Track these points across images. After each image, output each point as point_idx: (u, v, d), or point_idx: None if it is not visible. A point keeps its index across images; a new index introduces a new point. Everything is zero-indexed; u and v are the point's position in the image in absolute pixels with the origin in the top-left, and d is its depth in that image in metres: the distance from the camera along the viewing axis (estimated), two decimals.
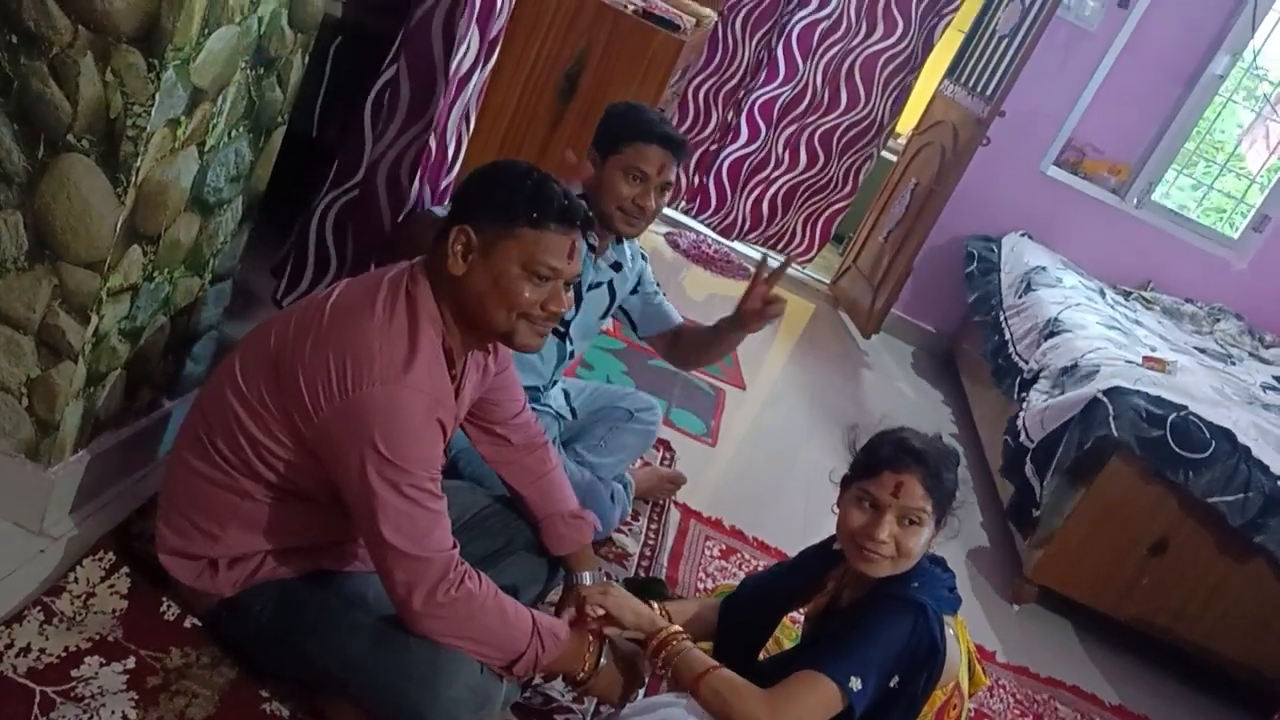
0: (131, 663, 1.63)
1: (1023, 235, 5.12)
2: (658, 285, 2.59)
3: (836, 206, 5.74)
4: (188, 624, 1.74)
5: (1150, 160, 5.18)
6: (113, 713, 1.53)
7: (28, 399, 1.76)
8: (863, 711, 1.68)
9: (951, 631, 1.79)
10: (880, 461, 1.77)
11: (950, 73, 5.40)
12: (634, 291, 2.51)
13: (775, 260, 2.38)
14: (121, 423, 1.96)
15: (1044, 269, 4.57)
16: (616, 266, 2.44)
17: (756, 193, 5.73)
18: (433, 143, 2.39)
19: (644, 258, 2.55)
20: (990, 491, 3.83)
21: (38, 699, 1.50)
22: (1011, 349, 4.05)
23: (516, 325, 1.65)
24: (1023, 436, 3.31)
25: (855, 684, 1.66)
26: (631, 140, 2.24)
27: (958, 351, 5.25)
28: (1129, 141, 5.19)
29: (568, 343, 2.42)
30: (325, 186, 2.43)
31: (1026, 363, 3.81)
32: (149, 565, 1.75)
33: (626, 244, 2.43)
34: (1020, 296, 4.39)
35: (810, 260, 5.89)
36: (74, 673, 1.57)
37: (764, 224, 5.78)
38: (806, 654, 1.79)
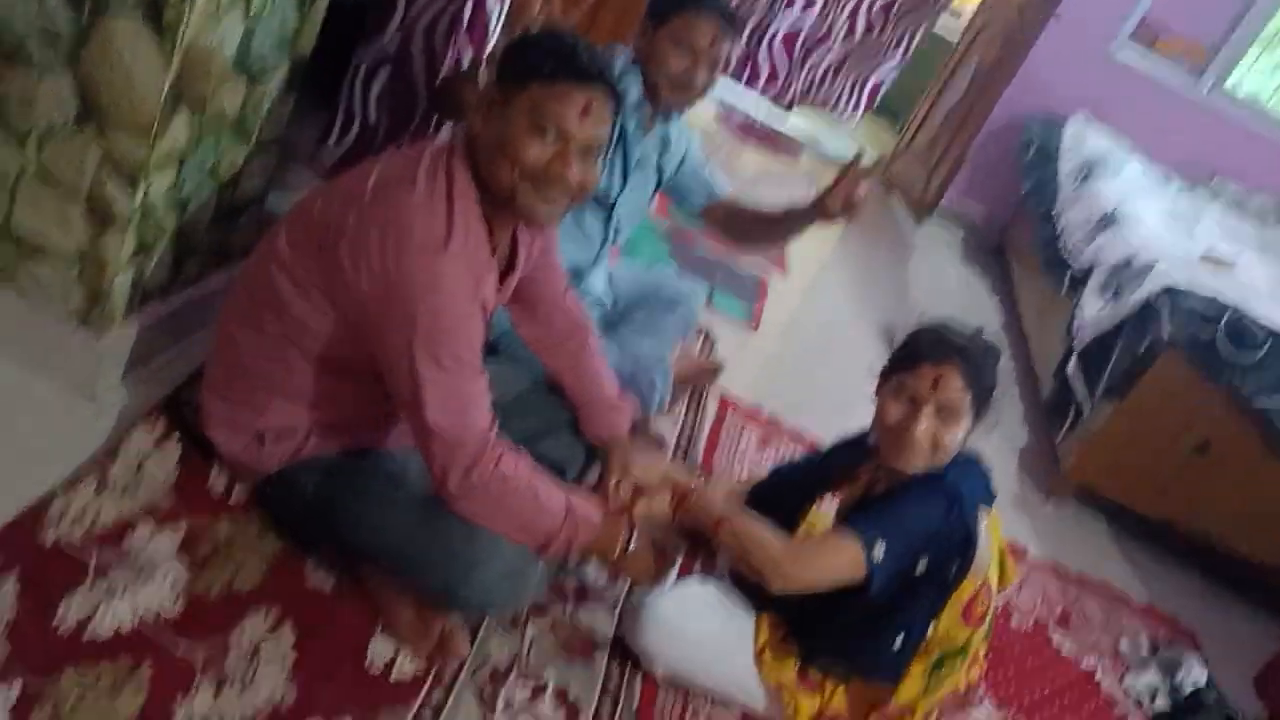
0: (182, 530, 1.67)
1: (1087, 117, 4.93)
2: (707, 158, 2.53)
3: (886, 70, 5.51)
4: (236, 495, 1.79)
5: (1228, 43, 4.92)
6: (165, 577, 1.58)
7: (78, 268, 1.77)
8: (882, 584, 1.69)
9: (985, 525, 1.79)
10: (919, 354, 1.74)
11: None
12: (680, 167, 2.46)
13: (868, 160, 2.25)
14: (170, 293, 1.97)
15: (1106, 157, 4.42)
16: (664, 143, 2.38)
17: (810, 62, 5.54)
18: (468, 8, 2.31)
19: (691, 132, 2.48)
20: (1032, 386, 3.80)
21: (93, 563, 1.56)
22: (1064, 240, 3.96)
23: (519, 186, 1.56)
24: (1076, 342, 3.26)
25: (879, 552, 1.67)
26: (681, 9, 2.16)
27: (1008, 241, 5.14)
28: (1207, 21, 4.93)
29: (612, 223, 2.38)
30: (360, 46, 2.38)
31: (1080, 255, 3.73)
32: (198, 435, 1.78)
33: (674, 119, 2.37)
34: (1078, 186, 4.26)
35: (856, 121, 5.70)
36: (127, 538, 1.62)
37: (814, 90, 5.60)
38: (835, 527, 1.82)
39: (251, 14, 1.76)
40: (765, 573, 1.69)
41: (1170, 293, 3.01)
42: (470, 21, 2.36)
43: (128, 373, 1.90)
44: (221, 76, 1.77)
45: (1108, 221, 3.77)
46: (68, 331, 1.80)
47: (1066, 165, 4.50)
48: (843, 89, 5.61)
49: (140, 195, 1.72)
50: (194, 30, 1.62)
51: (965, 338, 1.76)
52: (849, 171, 2.17)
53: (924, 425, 1.71)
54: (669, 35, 2.17)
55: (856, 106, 5.65)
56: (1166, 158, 4.88)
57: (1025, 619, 2.59)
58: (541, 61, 1.53)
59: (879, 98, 5.63)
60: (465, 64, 2.43)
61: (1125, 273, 3.30)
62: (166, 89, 1.63)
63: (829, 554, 1.71)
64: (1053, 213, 4.22)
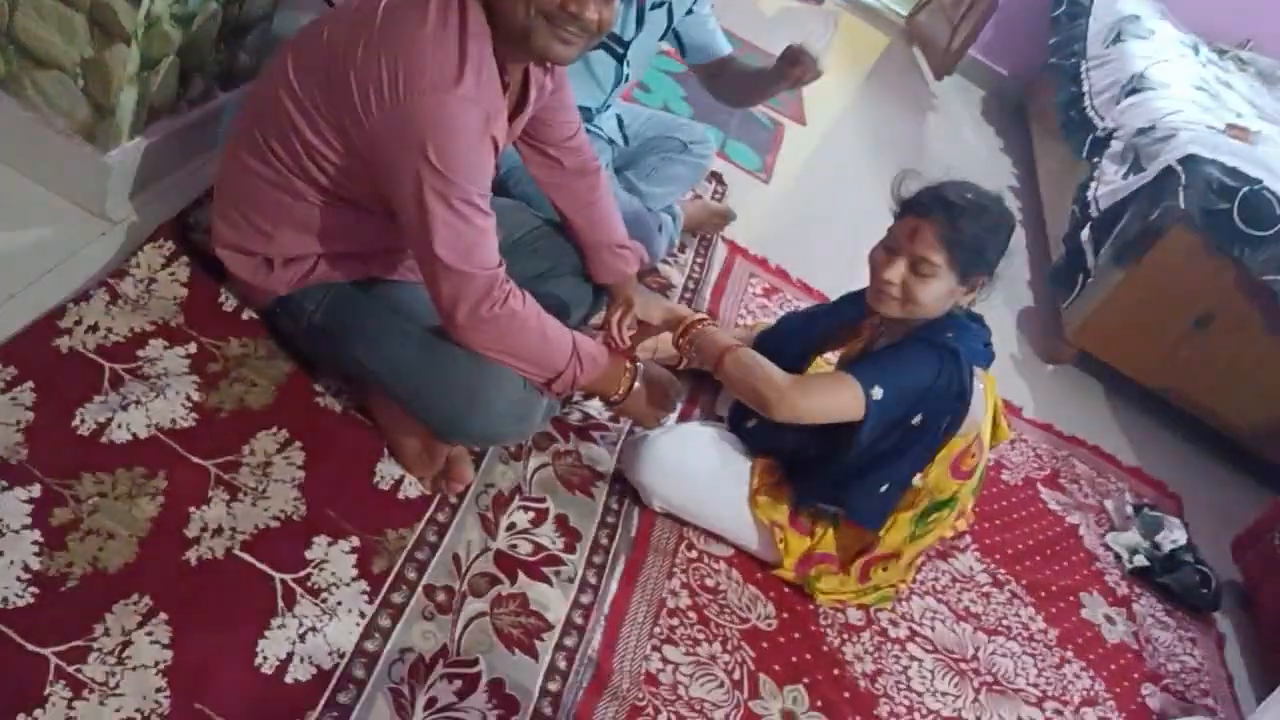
0: (193, 348, 1.70)
1: None
2: (712, 6, 2.45)
3: None
4: (245, 316, 1.81)
5: None
6: (177, 393, 1.61)
7: (83, 80, 1.74)
8: (877, 426, 1.74)
9: (980, 385, 1.83)
10: (907, 206, 1.78)
11: None
12: (689, 12, 2.38)
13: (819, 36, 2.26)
14: (176, 111, 1.95)
15: (1138, 18, 4.27)
16: None
17: None
18: None
19: None
20: (1043, 251, 3.78)
21: (107, 374, 1.59)
22: (1088, 102, 3.86)
23: (534, 24, 1.52)
24: (1091, 209, 3.22)
25: (877, 392, 1.72)
26: None
27: (1030, 101, 5.01)
28: None
29: (625, 64, 2.32)
30: None
31: (1103, 119, 3.65)
32: (207, 256, 1.79)
33: None
34: (1107, 47, 4.13)
35: None
36: (139, 353, 1.65)
37: None
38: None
39: None
40: (769, 398, 1.73)
41: (1191, 160, 2.96)
42: None
43: (135, 191, 1.89)
44: None
45: (1135, 84, 3.67)
46: (74, 145, 1.79)
47: (1097, 25, 4.35)
48: None
49: (144, 9, 1.68)
50: None
51: (961, 196, 1.74)
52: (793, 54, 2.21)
53: (894, 271, 1.74)
54: None
55: None
56: (1199, 22, 4.71)
57: (1015, 474, 2.66)
58: None
59: None
60: None
61: (1148, 138, 3.24)
62: None
63: (830, 387, 1.77)
64: (1079, 73, 4.11)
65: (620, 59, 2.30)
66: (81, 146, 1.79)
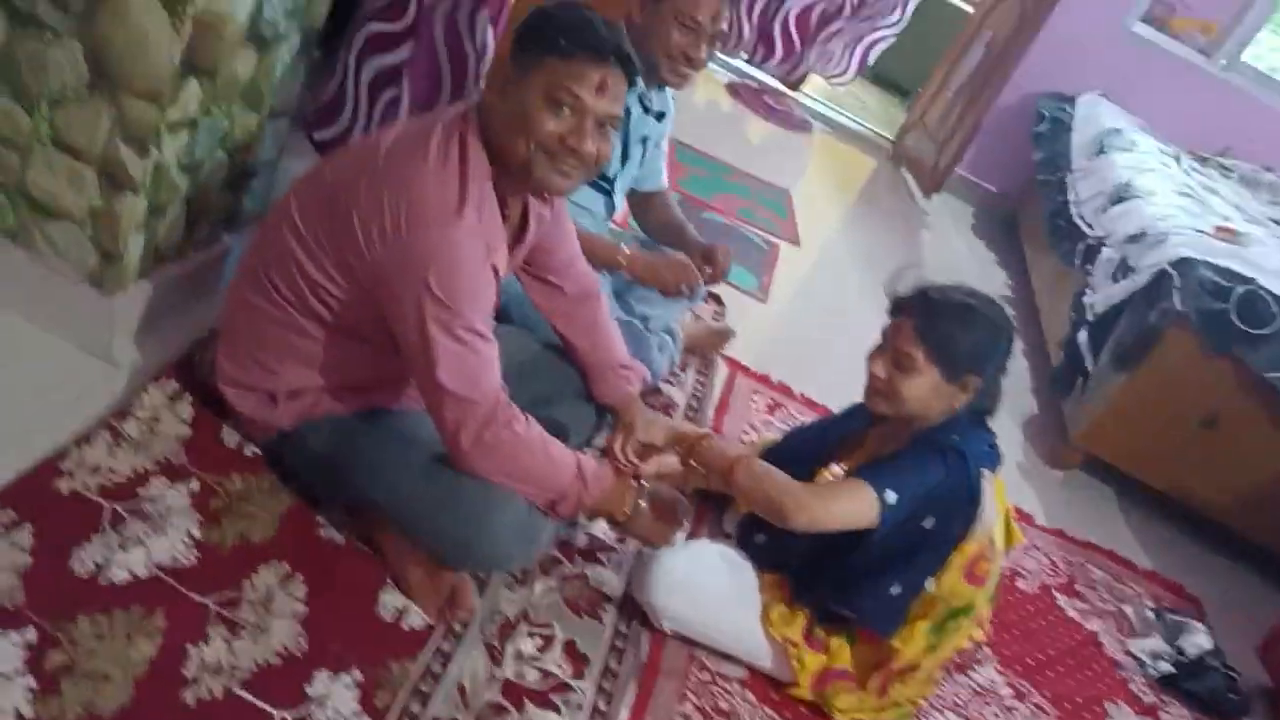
0: (195, 485, 1.70)
1: (1100, 95, 4.91)
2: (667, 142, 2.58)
3: (880, 32, 5.40)
4: (248, 452, 1.81)
5: (1245, 19, 4.89)
6: (178, 530, 1.61)
7: (92, 228, 1.79)
8: (890, 529, 1.73)
9: (990, 488, 1.82)
10: (894, 305, 1.84)
11: None
12: (655, 145, 2.47)
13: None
14: (182, 255, 2.00)
15: (1119, 131, 4.40)
16: (659, 117, 2.39)
17: (820, 37, 5.50)
18: None
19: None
20: (1042, 358, 3.80)
21: (108, 514, 1.59)
22: (1075, 211, 3.94)
23: (534, 158, 1.58)
24: (1088, 314, 3.25)
25: (890, 495, 1.73)
26: None
27: (1020, 214, 5.12)
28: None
29: (612, 197, 2.39)
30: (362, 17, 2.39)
31: (1091, 228, 3.72)
32: (210, 394, 1.81)
33: (666, 92, 2.37)
34: (1091, 159, 4.25)
35: (846, 83, 5.57)
36: (141, 491, 1.65)
37: (800, 47, 5.50)
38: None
39: None
40: (786, 506, 1.72)
41: (1184, 263, 3.00)
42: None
43: (141, 333, 1.92)
44: (233, 43, 1.78)
45: (1121, 194, 3.76)
46: (82, 292, 1.83)
47: (1079, 139, 4.48)
48: (835, 50, 5.50)
49: (152, 160, 1.74)
50: None
51: (939, 294, 1.79)
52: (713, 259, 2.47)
53: (879, 366, 1.79)
54: (671, 12, 2.16)
55: (847, 69, 5.51)
56: (1180, 134, 4.85)
57: (1031, 582, 2.61)
58: (558, 36, 1.55)
59: (871, 59, 5.47)
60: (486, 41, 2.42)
61: (1139, 244, 3.30)
62: (178, 55, 1.65)
63: (845, 493, 1.77)
64: (1065, 184, 4.21)
65: (608, 193, 2.37)
66: (88, 292, 1.83)
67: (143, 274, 1.89)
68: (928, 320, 1.75)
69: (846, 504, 1.74)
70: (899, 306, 1.81)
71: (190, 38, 1.66)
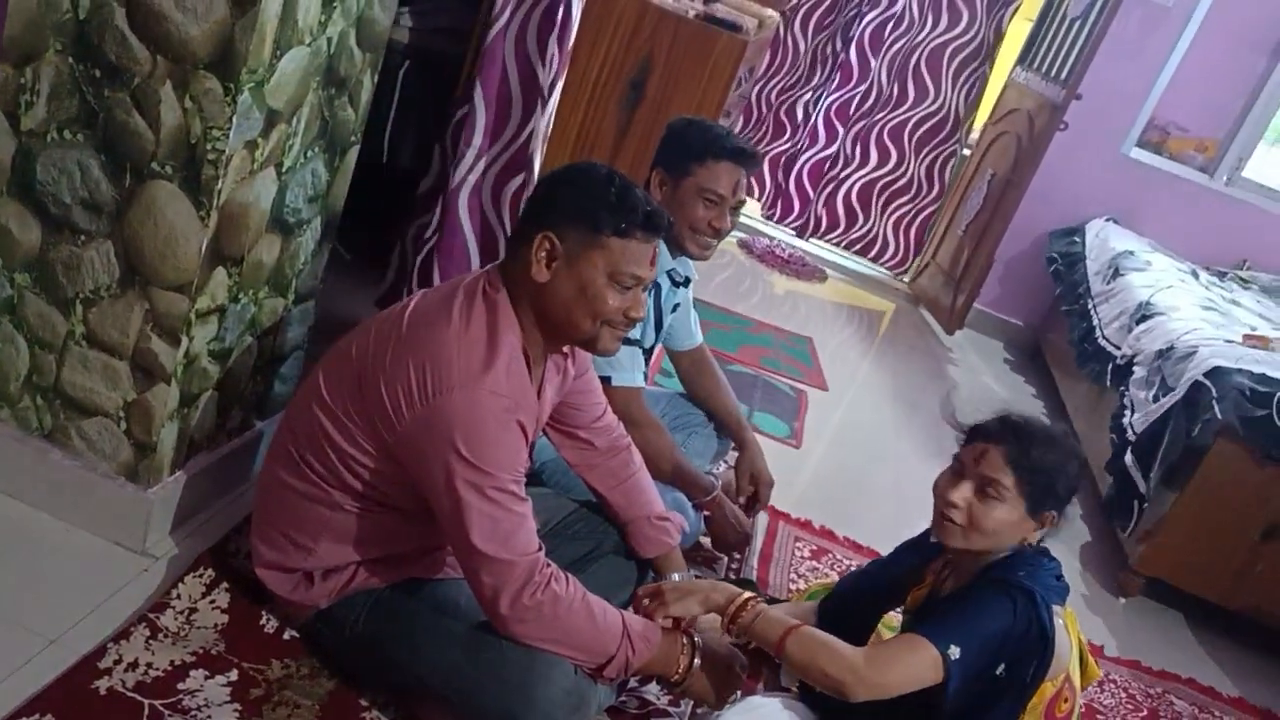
0: (234, 675, 1.66)
1: (1107, 220, 4.97)
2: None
3: (926, 211, 5.63)
4: (287, 636, 1.77)
5: (1239, 135, 4.99)
6: None
7: (125, 422, 1.81)
8: (961, 685, 1.63)
9: (1061, 622, 1.73)
10: (975, 431, 1.77)
11: (1022, 60, 5.28)
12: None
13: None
14: (215, 443, 2.00)
15: (1131, 253, 4.43)
16: (686, 282, 2.43)
17: (828, 191, 5.69)
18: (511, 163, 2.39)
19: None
20: (1089, 485, 3.71)
21: (146, 712, 1.54)
22: (1100, 334, 3.94)
23: (600, 332, 1.67)
24: (1129, 434, 3.20)
25: (954, 651, 1.62)
26: (701, 159, 2.20)
27: (1045, 344, 5.11)
28: (1215, 117, 5.01)
29: (647, 365, 2.41)
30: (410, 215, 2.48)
31: (1119, 348, 3.70)
32: (247, 580, 1.79)
33: (686, 260, 2.42)
34: (1108, 283, 4.26)
35: (906, 271, 5.78)
36: (180, 685, 1.60)
37: (843, 226, 5.73)
38: (906, 633, 1.76)
39: (284, 170, 1.84)
40: (845, 682, 1.62)
41: (1218, 372, 2.96)
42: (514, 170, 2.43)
43: (176, 524, 1.91)
44: (258, 231, 1.84)
45: (1144, 311, 3.75)
46: (116, 486, 1.83)
47: (1093, 266, 4.51)
48: (883, 231, 5.70)
49: (183, 349, 1.77)
50: (229, 187, 1.70)
51: (1024, 422, 1.75)
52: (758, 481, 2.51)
53: (960, 494, 1.71)
54: (693, 188, 2.21)
55: (905, 257, 5.72)
56: (1192, 252, 4.88)
57: (1112, 719, 2.46)
58: (613, 217, 1.61)
59: (925, 238, 5.69)
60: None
61: (1169, 359, 3.27)
62: (205, 245, 1.70)
63: (905, 655, 1.65)
64: (1087, 310, 4.21)
65: (646, 359, 2.39)
66: (123, 486, 1.83)
67: (176, 465, 1.90)
68: (1021, 450, 1.69)
69: (908, 667, 1.64)
70: (983, 433, 1.74)
71: (216, 228, 1.71)
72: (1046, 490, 1.71)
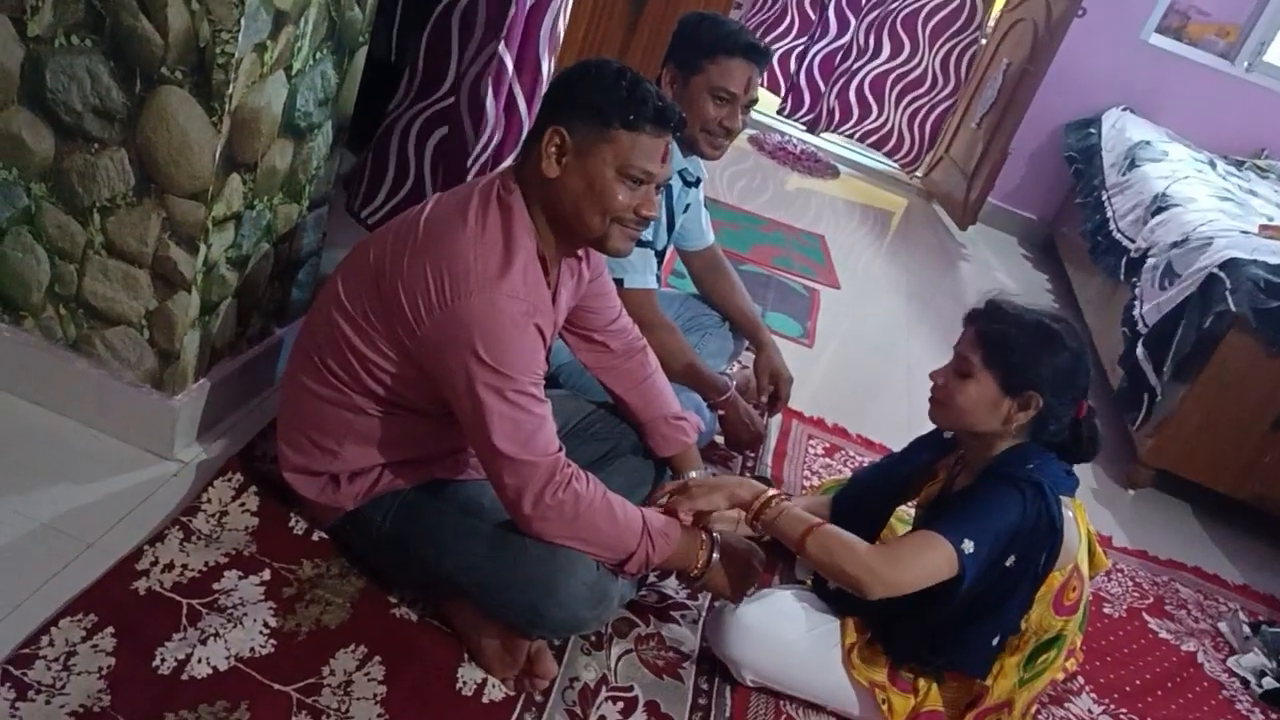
0: (267, 575, 1.70)
1: (1124, 110, 4.89)
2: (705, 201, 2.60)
3: (941, 106, 5.53)
4: (316, 537, 1.82)
5: (1262, 18, 4.87)
6: (254, 621, 1.61)
7: (148, 331, 1.83)
8: (974, 579, 1.67)
9: (1070, 513, 1.77)
10: (965, 317, 1.83)
11: None
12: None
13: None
14: (237, 350, 2.03)
15: (1148, 143, 4.37)
16: (697, 183, 2.41)
17: (840, 84, 5.59)
18: (509, 59, 2.35)
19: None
20: (1100, 379, 3.73)
21: (185, 610, 1.59)
22: (1114, 226, 3.91)
23: (610, 229, 1.65)
24: (1140, 326, 3.20)
25: (968, 546, 1.66)
26: (713, 55, 2.16)
27: (1059, 238, 5.08)
28: (1237, 0, 4.88)
29: (660, 267, 2.40)
30: (406, 99, 2.42)
31: (1133, 241, 3.68)
32: (275, 484, 1.83)
33: (696, 159, 2.39)
34: (1124, 174, 4.21)
35: (919, 166, 5.70)
36: (215, 585, 1.65)
37: (856, 118, 5.65)
38: (919, 528, 1.80)
39: (294, 74, 1.82)
40: (861, 578, 1.66)
41: (1232, 264, 2.95)
42: (519, 66, 2.38)
43: (202, 430, 1.95)
44: (270, 136, 1.83)
45: (1159, 204, 3.72)
46: (142, 394, 1.85)
47: (1109, 157, 4.46)
48: (898, 125, 5.60)
49: (202, 257, 1.77)
50: (240, 92, 1.68)
51: (1006, 303, 1.78)
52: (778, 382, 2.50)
53: (940, 373, 1.80)
54: (704, 85, 2.17)
55: (917, 153, 5.63)
56: (1210, 140, 4.81)
57: (1117, 606, 2.53)
58: (622, 110, 1.58)
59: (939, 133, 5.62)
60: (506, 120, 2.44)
61: (1183, 250, 3.25)
62: (219, 152, 1.69)
63: (920, 552, 1.69)
64: (1102, 203, 4.17)
65: (658, 261, 2.39)
66: (149, 394, 1.86)
67: (200, 372, 1.92)
68: (989, 324, 1.75)
69: (923, 563, 1.67)
70: (968, 317, 1.81)
71: (229, 133, 1.70)
72: (1016, 369, 1.72)
